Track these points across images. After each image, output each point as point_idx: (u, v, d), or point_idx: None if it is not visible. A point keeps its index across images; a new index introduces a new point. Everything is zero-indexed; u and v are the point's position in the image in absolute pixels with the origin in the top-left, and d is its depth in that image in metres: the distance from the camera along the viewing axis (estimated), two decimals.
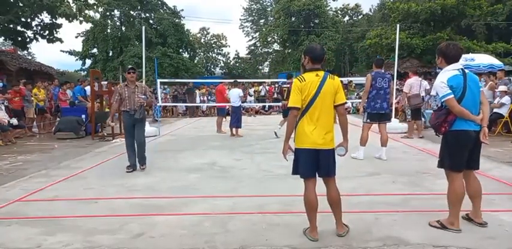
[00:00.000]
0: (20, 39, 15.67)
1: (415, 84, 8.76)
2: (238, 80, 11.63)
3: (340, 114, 3.09)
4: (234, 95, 9.85)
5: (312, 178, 3.04)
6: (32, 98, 10.88)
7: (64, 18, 14.47)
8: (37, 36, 15.85)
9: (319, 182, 3.11)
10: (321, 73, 3.00)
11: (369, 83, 6.25)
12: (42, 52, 72.26)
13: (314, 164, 2.99)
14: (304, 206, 3.06)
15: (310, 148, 2.97)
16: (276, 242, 3.01)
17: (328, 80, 2.98)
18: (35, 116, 11.17)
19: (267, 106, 18.64)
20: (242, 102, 11.05)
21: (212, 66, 48.49)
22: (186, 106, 17.75)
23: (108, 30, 31.08)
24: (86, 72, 30.62)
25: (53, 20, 15.50)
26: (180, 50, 34.98)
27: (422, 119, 9.70)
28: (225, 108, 11.52)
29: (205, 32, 47.69)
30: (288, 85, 8.55)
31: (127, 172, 5.54)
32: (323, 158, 2.99)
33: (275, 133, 9.20)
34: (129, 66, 5.78)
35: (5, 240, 3.12)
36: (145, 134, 5.87)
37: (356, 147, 6.55)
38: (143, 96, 5.58)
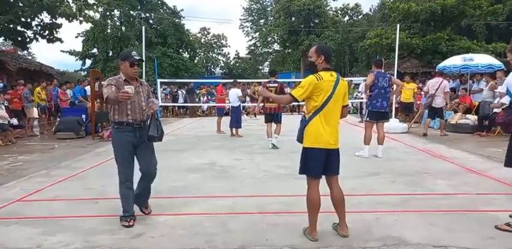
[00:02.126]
0: (20, 39, 15.65)
1: (431, 84, 9.29)
2: (238, 80, 11.65)
3: (342, 114, 3.17)
4: (233, 95, 9.84)
5: (318, 178, 3.07)
6: (33, 97, 10.88)
7: (64, 18, 14.45)
8: (37, 36, 15.83)
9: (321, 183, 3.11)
10: (334, 74, 3.06)
11: (372, 79, 6.41)
12: (42, 52, 72.43)
13: (324, 163, 3.02)
14: (306, 206, 3.06)
15: (323, 148, 3.00)
16: (276, 242, 3.01)
17: (341, 81, 3.05)
18: (38, 116, 11.16)
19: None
20: (242, 102, 11.06)
21: (212, 66, 48.52)
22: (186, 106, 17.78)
23: (108, 30, 31.05)
24: (86, 72, 30.61)
25: (53, 20, 15.48)
26: (180, 50, 34.98)
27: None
28: (224, 108, 11.55)
29: (205, 32, 47.73)
30: (275, 85, 7.67)
31: (124, 226, 3.40)
32: (334, 157, 3.06)
33: (273, 145, 7.67)
34: (135, 55, 3.51)
35: (5, 240, 3.12)
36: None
37: (358, 147, 6.57)
38: (156, 100, 3.63)
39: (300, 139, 3.12)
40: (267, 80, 8.25)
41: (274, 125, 7.82)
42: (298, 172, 3.12)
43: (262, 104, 8.19)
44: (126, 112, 3.41)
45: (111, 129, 3.52)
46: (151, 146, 3.59)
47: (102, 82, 10.40)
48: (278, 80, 7.87)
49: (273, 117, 7.80)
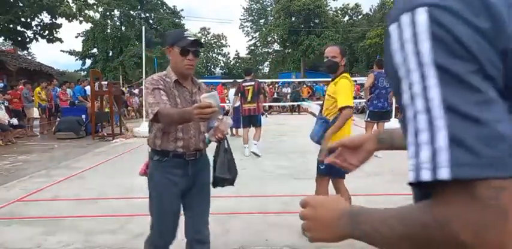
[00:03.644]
0: (20, 39, 15.69)
1: None
2: (238, 80, 11.64)
3: None
4: (233, 95, 9.82)
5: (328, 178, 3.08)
6: (33, 97, 10.88)
7: (64, 18, 14.49)
8: (37, 36, 15.87)
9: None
10: None
11: (371, 81, 6.42)
12: (42, 52, 72.53)
13: None
14: None
15: None
16: (276, 242, 3.01)
17: None
18: (39, 116, 11.16)
19: (266, 106, 18.70)
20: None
21: (212, 66, 48.54)
22: None
23: (108, 30, 31.07)
24: (86, 72, 30.61)
25: (53, 20, 15.53)
26: None
27: None
28: (223, 108, 11.55)
29: (205, 32, 47.74)
30: (252, 83, 6.96)
31: None
32: None
33: (254, 153, 6.79)
34: (189, 36, 2.14)
35: (5, 240, 3.12)
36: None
37: None
38: (228, 118, 2.24)
39: (320, 139, 3.02)
40: (241, 80, 7.42)
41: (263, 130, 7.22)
42: (319, 172, 3.05)
43: (238, 104, 7.33)
44: (174, 136, 2.04)
45: (149, 161, 2.16)
46: (207, 189, 2.34)
47: (103, 82, 10.44)
48: (254, 79, 7.23)
49: (251, 120, 7.02)
